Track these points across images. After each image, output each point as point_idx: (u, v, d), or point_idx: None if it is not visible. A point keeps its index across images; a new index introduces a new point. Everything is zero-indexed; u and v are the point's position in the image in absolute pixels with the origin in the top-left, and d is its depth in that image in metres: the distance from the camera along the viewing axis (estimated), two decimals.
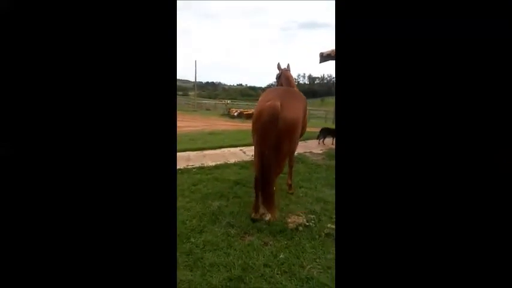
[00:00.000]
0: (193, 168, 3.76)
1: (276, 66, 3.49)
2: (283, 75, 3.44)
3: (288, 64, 3.49)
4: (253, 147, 3.46)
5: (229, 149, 5.10)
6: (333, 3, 0.86)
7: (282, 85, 3.36)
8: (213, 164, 4.01)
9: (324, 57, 5.66)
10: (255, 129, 2.21)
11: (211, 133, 7.71)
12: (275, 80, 3.53)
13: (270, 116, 2.04)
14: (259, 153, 2.16)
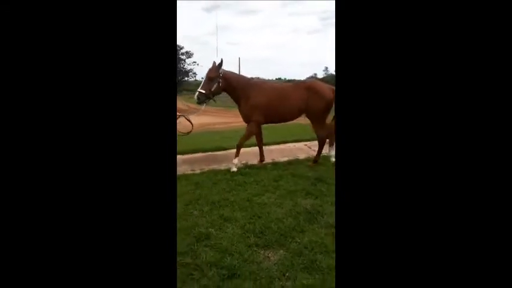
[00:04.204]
0: (268, 163, 3.70)
1: (213, 66, 3.22)
2: (230, 77, 3.29)
3: (222, 59, 3.24)
4: (317, 142, 3.69)
5: (294, 144, 4.97)
6: None
7: (228, 86, 3.27)
8: (285, 159, 3.91)
9: None
10: None
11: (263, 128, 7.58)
12: (209, 82, 3.18)
13: None
14: None
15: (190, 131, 3.33)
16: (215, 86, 3.18)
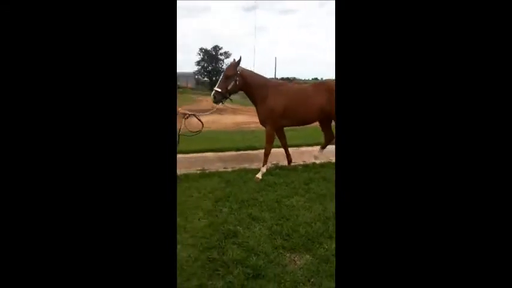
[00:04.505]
0: (298, 165, 3.66)
1: (231, 64, 3.09)
2: (247, 76, 3.09)
3: (241, 57, 3.05)
4: None
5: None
6: None
7: (246, 85, 3.11)
8: (317, 162, 3.83)
9: None
10: None
11: (292, 129, 7.47)
12: (226, 79, 3.02)
13: None
14: None
15: (200, 131, 3.18)
16: (232, 84, 3.02)
